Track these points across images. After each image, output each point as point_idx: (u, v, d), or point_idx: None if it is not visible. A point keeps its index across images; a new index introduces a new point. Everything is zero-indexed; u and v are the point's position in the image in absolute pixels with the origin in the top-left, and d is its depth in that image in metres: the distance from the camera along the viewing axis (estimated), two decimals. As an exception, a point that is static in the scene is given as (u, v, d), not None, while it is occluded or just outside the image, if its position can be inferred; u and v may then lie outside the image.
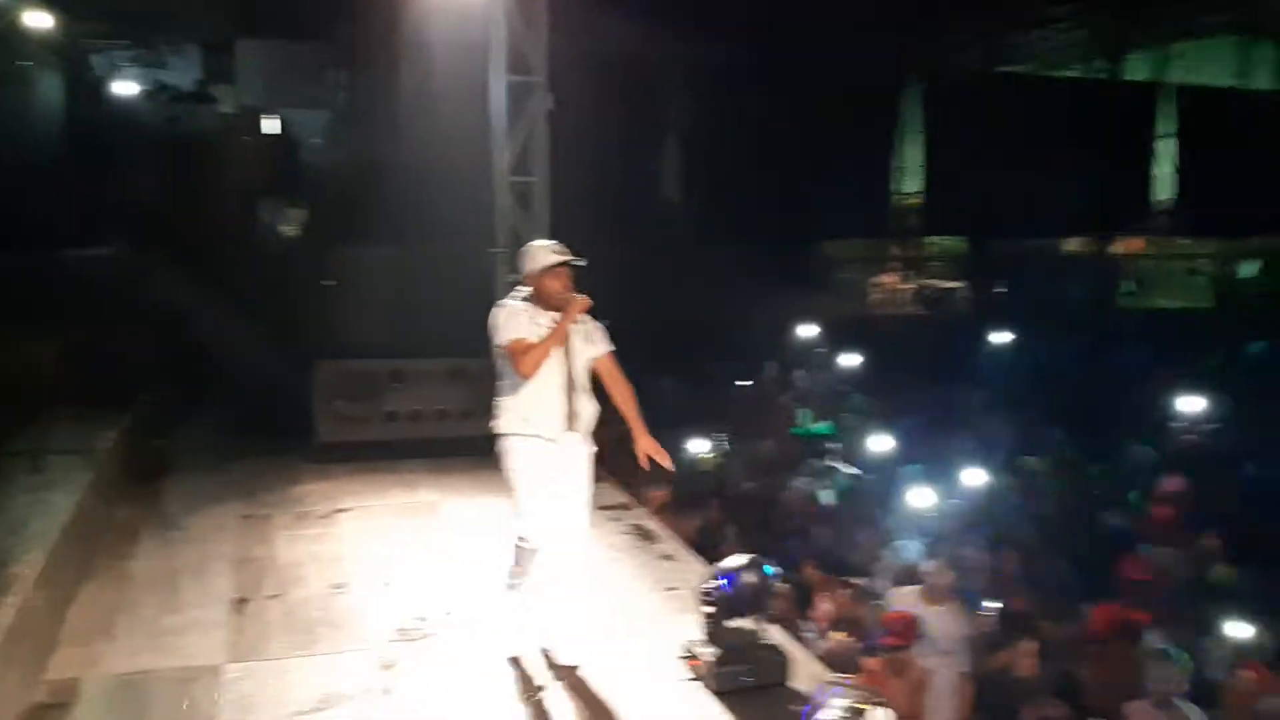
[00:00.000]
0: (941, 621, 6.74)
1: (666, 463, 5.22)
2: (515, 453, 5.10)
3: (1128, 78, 18.95)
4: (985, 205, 17.19)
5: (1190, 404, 11.31)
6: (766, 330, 14.26)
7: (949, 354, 14.45)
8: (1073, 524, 8.82)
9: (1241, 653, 6.60)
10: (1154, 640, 6.71)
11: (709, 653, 5.13)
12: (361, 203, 12.50)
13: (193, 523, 7.17)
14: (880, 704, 4.71)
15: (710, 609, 5.15)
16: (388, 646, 5.46)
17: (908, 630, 6.47)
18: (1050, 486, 9.59)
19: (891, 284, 19.81)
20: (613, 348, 5.29)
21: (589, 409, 5.18)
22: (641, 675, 5.19)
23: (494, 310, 5.15)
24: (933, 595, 6.87)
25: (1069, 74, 19.13)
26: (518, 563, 5.25)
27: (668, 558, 6.76)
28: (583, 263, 5.16)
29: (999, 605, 7.15)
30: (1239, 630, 6.85)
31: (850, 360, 13.47)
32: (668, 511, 7.97)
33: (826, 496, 8.97)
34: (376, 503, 7.70)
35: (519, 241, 9.93)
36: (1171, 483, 9.20)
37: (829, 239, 18.92)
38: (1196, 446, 10.62)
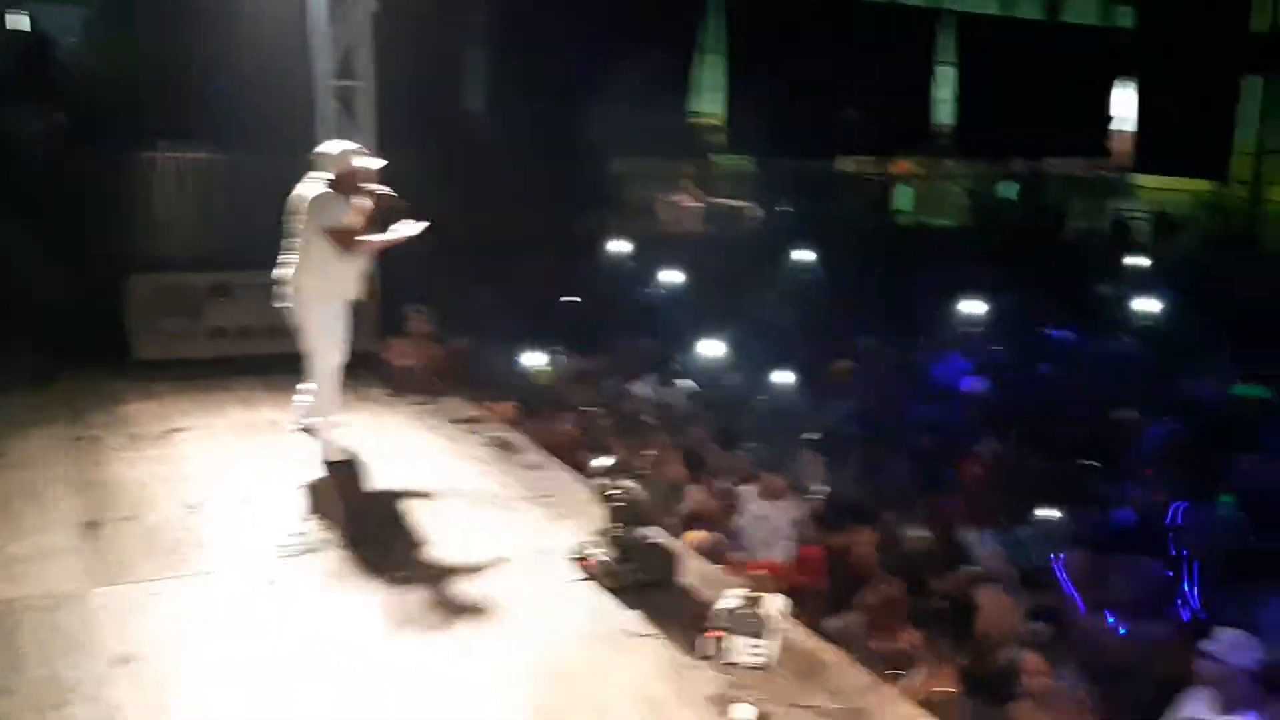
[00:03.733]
0: (778, 513, 7.24)
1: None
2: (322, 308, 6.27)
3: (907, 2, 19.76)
4: (774, 126, 17.58)
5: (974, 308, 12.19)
6: (570, 245, 14.23)
7: (748, 270, 14.84)
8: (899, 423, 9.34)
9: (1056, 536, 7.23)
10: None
11: (602, 553, 5.23)
12: (145, 105, 11.54)
13: (17, 446, 6.60)
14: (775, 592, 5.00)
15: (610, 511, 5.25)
16: (265, 564, 5.25)
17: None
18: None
19: (682, 203, 20.03)
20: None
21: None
22: (537, 577, 5.23)
23: (307, 194, 6.14)
24: (771, 492, 7.37)
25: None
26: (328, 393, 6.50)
27: (535, 467, 6.78)
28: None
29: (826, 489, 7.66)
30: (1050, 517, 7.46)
31: (665, 276, 13.70)
32: (516, 422, 7.94)
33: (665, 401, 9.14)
34: (215, 421, 7.30)
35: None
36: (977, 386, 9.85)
37: (626, 157, 18.93)
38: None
